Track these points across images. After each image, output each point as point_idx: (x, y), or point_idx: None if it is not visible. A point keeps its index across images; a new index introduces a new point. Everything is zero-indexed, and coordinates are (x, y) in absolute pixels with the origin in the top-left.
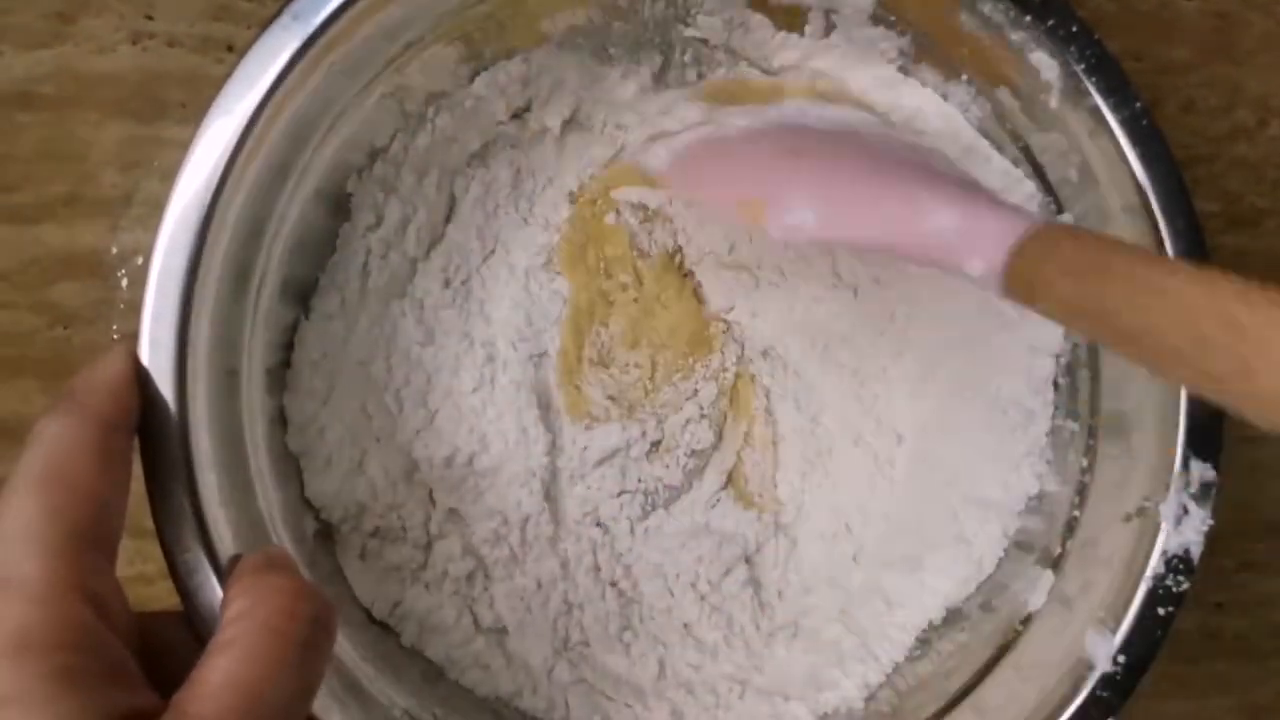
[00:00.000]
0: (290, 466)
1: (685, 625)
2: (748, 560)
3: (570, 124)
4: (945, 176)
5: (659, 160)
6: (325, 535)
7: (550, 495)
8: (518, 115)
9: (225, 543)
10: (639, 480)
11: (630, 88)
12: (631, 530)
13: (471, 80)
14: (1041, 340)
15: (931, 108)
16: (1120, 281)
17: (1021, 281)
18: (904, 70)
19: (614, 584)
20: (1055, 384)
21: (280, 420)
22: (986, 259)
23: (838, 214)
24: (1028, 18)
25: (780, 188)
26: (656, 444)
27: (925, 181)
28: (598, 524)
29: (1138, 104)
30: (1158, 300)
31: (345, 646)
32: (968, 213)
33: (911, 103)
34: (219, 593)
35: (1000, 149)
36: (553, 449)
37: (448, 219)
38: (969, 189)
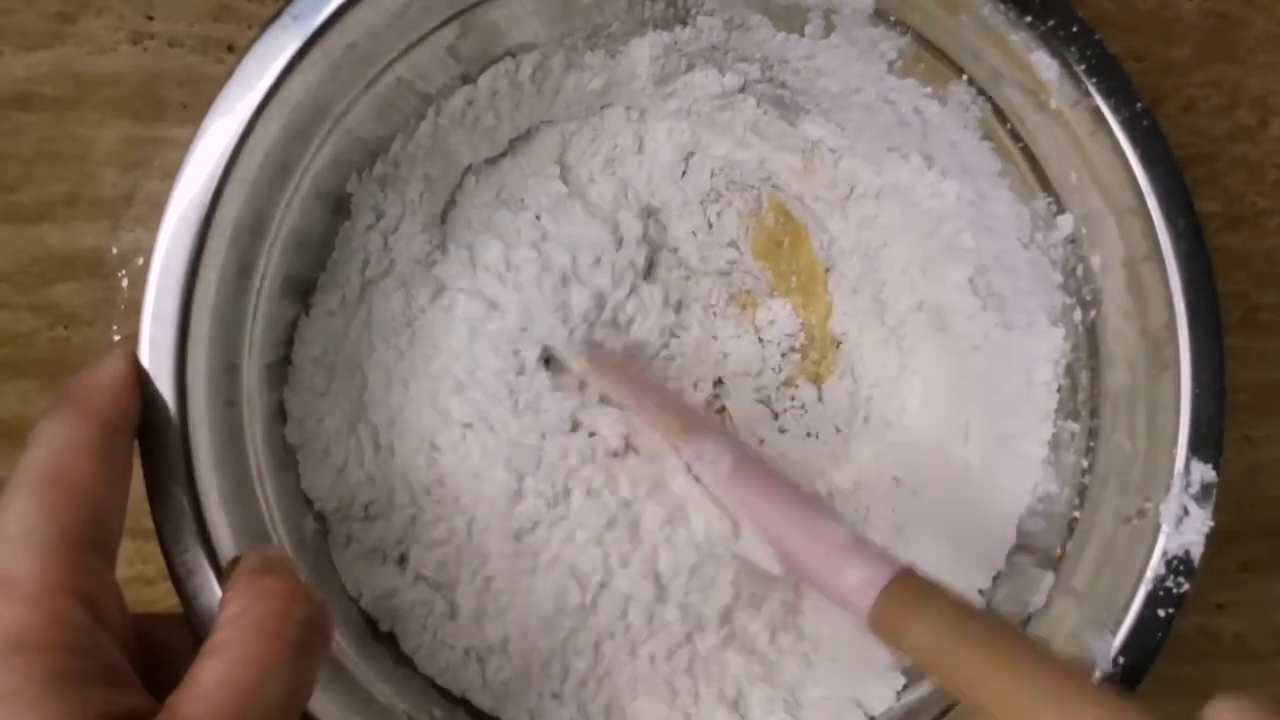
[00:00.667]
0: (289, 462)
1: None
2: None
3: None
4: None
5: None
6: (324, 535)
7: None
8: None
9: (225, 543)
10: None
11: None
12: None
13: (473, 80)
14: (1043, 345)
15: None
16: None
17: (886, 620)
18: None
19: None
20: (1056, 386)
21: (280, 415)
22: (867, 574)
23: (747, 475)
24: (1028, 18)
25: (703, 430)
26: None
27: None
28: None
29: (1138, 104)
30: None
31: (344, 646)
32: (856, 536)
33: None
34: (219, 594)
35: (999, 149)
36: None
37: (445, 217)
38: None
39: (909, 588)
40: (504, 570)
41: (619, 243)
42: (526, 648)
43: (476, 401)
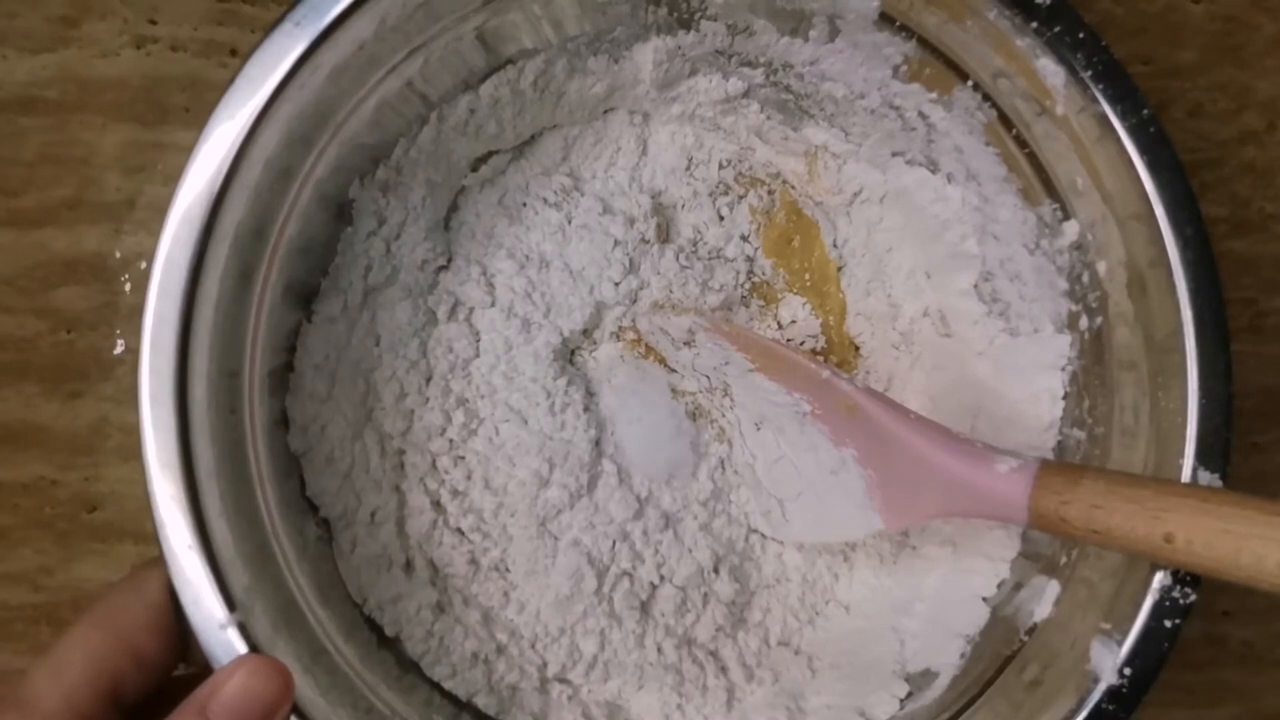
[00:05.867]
0: (291, 468)
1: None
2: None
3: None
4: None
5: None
6: (328, 541)
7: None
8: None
9: (225, 546)
10: None
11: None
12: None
13: (475, 86)
14: (1049, 352)
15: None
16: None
17: (1050, 490)
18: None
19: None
20: (1061, 394)
21: (282, 421)
22: (1018, 462)
23: (879, 401)
24: (1034, 23)
25: (825, 369)
26: None
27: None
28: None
29: (1145, 111)
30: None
31: (347, 654)
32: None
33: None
34: (218, 601)
35: (1004, 155)
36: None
37: (449, 223)
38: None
39: (1060, 466)
40: (524, 554)
41: (630, 222)
42: (538, 628)
43: (510, 404)
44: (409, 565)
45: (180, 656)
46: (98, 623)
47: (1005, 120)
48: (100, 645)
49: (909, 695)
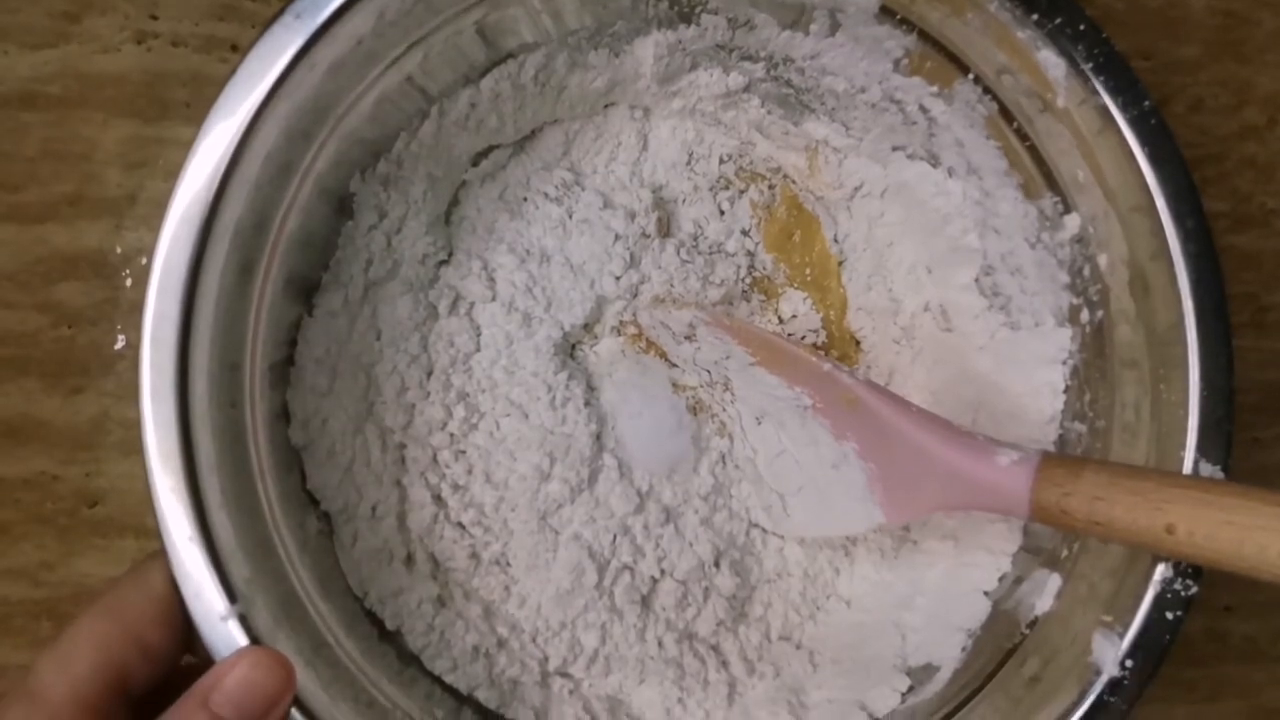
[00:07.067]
0: (292, 462)
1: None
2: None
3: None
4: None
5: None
6: (329, 535)
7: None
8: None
9: (226, 539)
10: None
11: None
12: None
13: (476, 80)
14: (1050, 346)
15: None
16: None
17: (1051, 483)
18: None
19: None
20: (1063, 387)
21: (283, 416)
22: (1019, 455)
23: (881, 395)
24: (1035, 16)
25: (825, 363)
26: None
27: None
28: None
29: (1146, 103)
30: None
31: (348, 648)
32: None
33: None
34: (219, 596)
35: (1005, 148)
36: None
37: (449, 218)
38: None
39: (1062, 458)
40: (525, 548)
41: (630, 217)
42: (539, 622)
43: (511, 398)
44: (410, 559)
45: (186, 648)
46: (103, 614)
47: (1006, 114)
48: (106, 636)
49: (910, 689)
